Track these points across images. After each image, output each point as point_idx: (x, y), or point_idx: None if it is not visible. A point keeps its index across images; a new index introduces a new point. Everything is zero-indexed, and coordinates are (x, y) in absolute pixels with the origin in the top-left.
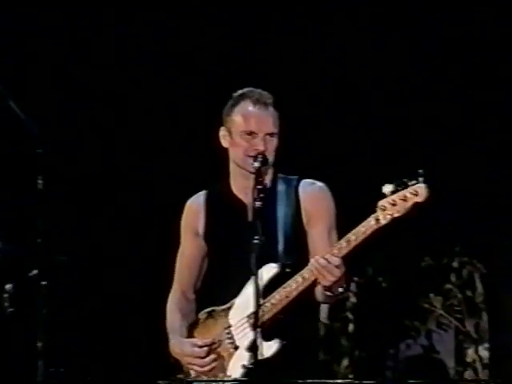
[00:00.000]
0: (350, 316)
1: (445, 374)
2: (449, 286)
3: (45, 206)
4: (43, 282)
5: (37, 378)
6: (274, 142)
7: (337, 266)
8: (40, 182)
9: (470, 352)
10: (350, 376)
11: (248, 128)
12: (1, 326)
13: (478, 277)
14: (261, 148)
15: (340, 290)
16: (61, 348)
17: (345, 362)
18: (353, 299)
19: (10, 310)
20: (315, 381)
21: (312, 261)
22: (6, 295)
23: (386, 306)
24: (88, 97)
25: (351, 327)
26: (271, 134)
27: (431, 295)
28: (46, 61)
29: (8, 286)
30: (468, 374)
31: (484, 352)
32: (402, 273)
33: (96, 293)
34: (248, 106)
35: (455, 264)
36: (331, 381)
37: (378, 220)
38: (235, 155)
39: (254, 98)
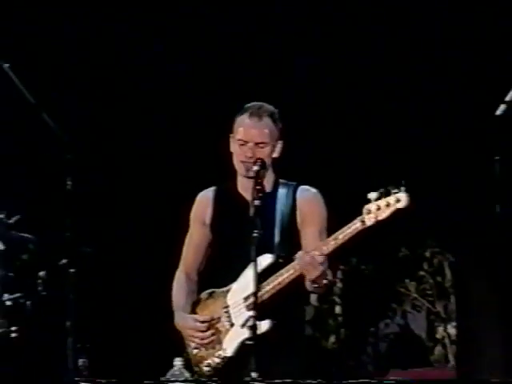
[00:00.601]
0: (337, 299)
1: (420, 348)
2: (422, 272)
3: (73, 205)
4: (71, 270)
5: (66, 352)
6: (264, 150)
7: (320, 263)
8: (69, 183)
9: (440, 330)
10: (336, 351)
11: (240, 137)
12: (35, 307)
13: (446, 265)
14: (249, 155)
15: (324, 281)
16: (86, 327)
17: (332, 339)
18: (339, 285)
19: (43, 293)
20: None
21: (297, 257)
22: (39, 281)
23: (367, 290)
24: (109, 106)
25: (338, 309)
26: (260, 143)
27: (406, 281)
28: (74, 73)
29: (41, 273)
30: (437, 350)
31: (452, 330)
32: (381, 262)
33: (114, 277)
34: (245, 119)
35: (427, 254)
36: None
37: (363, 222)
38: (234, 160)
39: (251, 111)
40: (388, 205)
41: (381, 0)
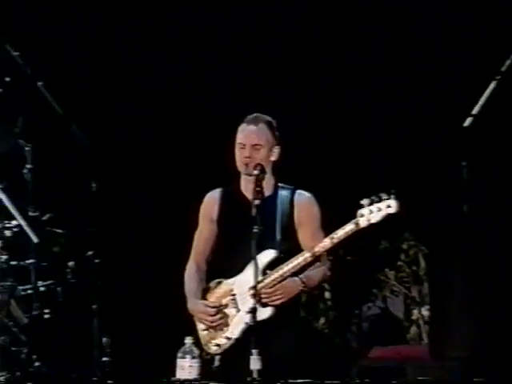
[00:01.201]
0: (326, 286)
1: (398, 328)
2: (399, 262)
3: (97, 204)
4: (96, 260)
5: (92, 331)
6: (260, 152)
7: (325, 251)
8: (94, 185)
9: (415, 312)
10: (326, 331)
11: (240, 141)
12: (65, 292)
13: (421, 256)
14: (246, 155)
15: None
16: (109, 310)
17: (322, 320)
18: (328, 273)
19: (72, 280)
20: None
21: (317, 247)
22: (69, 270)
23: (352, 278)
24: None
25: (327, 294)
26: (255, 145)
27: (386, 270)
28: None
29: (71, 263)
30: (413, 329)
31: (425, 312)
32: (364, 253)
33: (133, 267)
34: (244, 126)
35: (404, 246)
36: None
37: (357, 224)
38: (236, 162)
39: (249, 120)
40: (380, 210)
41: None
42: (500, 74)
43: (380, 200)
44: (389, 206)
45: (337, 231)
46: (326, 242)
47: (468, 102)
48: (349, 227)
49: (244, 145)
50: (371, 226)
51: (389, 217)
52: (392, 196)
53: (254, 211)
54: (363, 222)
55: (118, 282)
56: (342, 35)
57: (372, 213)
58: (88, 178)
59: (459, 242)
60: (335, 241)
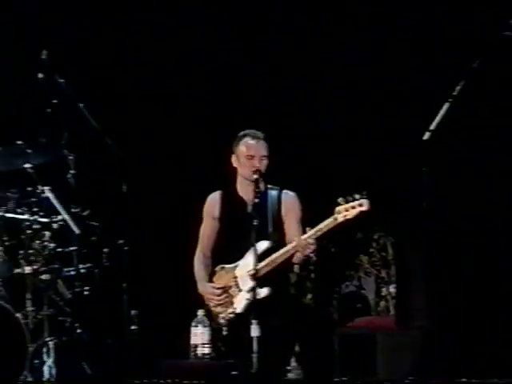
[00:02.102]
0: (312, 268)
1: (368, 301)
2: (371, 249)
3: (127, 202)
4: (126, 248)
5: (122, 305)
6: (265, 162)
7: (312, 244)
8: (124, 187)
9: (384, 290)
10: (312, 305)
11: (250, 153)
12: (101, 274)
13: (389, 244)
14: (257, 165)
15: (311, 255)
16: (137, 288)
17: (309, 296)
18: (314, 258)
19: (107, 264)
20: None
21: (297, 240)
22: (104, 255)
23: (333, 262)
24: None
25: (313, 275)
26: (263, 157)
27: (361, 255)
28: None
29: (105, 250)
30: (382, 304)
31: (392, 289)
32: (343, 242)
33: (154, 254)
34: (249, 140)
35: (375, 236)
36: None
37: (335, 219)
38: (243, 171)
39: (252, 135)
40: (354, 207)
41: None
42: (452, 97)
43: (354, 199)
44: (361, 205)
45: (319, 225)
46: (312, 233)
47: (426, 121)
48: (329, 222)
49: (253, 156)
50: (347, 221)
51: (361, 213)
52: (364, 196)
53: (250, 208)
54: (340, 218)
55: (143, 266)
56: (316, 54)
57: (347, 210)
58: (119, 181)
59: (419, 233)
60: (319, 233)
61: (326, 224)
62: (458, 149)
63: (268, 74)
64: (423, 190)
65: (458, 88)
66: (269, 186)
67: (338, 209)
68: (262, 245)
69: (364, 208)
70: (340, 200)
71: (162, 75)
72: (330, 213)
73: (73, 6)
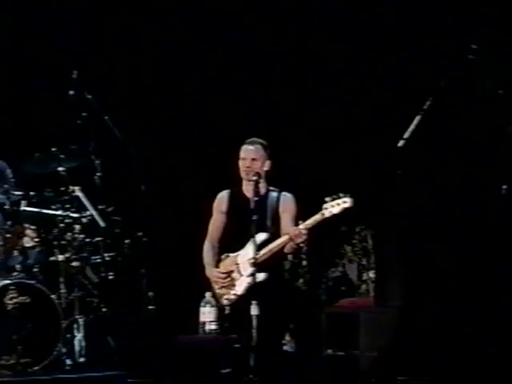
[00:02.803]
0: (304, 256)
1: (353, 286)
2: (354, 240)
3: (145, 200)
4: (144, 239)
5: (141, 288)
6: (256, 163)
7: (303, 235)
8: (143, 187)
9: (365, 275)
10: (303, 288)
11: (242, 156)
12: (123, 261)
13: (369, 236)
14: (247, 165)
15: (302, 245)
16: (154, 273)
17: (301, 281)
18: (305, 247)
19: (128, 253)
20: None
21: (292, 230)
22: (125, 245)
23: (321, 251)
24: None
25: (304, 262)
26: (253, 159)
27: (345, 245)
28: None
29: (127, 241)
30: (363, 287)
31: (372, 275)
32: (330, 234)
33: (170, 243)
34: (245, 146)
35: (357, 229)
36: None
37: (323, 214)
38: (240, 172)
39: (248, 142)
40: (339, 204)
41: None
42: (422, 110)
43: (339, 197)
44: (345, 202)
45: (310, 219)
46: (303, 226)
47: (401, 130)
48: (317, 216)
49: (245, 159)
50: (333, 216)
51: (346, 209)
52: (348, 195)
53: (252, 205)
54: (327, 213)
55: (159, 254)
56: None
57: (334, 207)
58: (138, 182)
59: (394, 226)
60: (309, 225)
61: (315, 218)
62: (427, 154)
63: (267, 85)
64: (398, 189)
65: (428, 103)
66: (270, 187)
67: (325, 205)
68: (261, 236)
69: (347, 205)
70: (327, 198)
71: (178, 90)
72: (319, 209)
73: (98, 34)
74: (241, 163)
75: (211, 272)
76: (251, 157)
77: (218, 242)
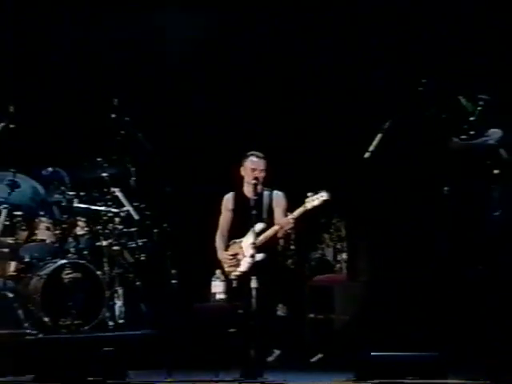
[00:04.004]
0: (292, 242)
1: (329, 264)
2: (331, 229)
3: (169, 200)
4: (168, 229)
5: (167, 267)
6: (263, 173)
7: (292, 223)
8: (168, 189)
9: (339, 256)
10: (292, 267)
11: (253, 167)
12: (152, 246)
13: (343, 226)
14: (257, 175)
15: (290, 231)
16: (178, 256)
17: (289, 261)
18: (293, 234)
19: (156, 239)
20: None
21: (284, 220)
22: (155, 234)
23: (305, 238)
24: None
25: (292, 246)
26: (262, 170)
27: (324, 234)
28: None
29: (155, 230)
30: (338, 266)
31: (344, 256)
32: (312, 224)
33: (189, 233)
34: (253, 159)
35: (334, 221)
36: None
37: (305, 207)
38: (248, 179)
39: (256, 155)
40: (318, 198)
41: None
42: (383, 129)
43: (318, 193)
44: (323, 196)
45: (295, 211)
46: (289, 217)
47: (367, 143)
48: (301, 208)
49: (255, 169)
50: (314, 208)
51: (324, 202)
52: (325, 191)
53: (252, 203)
54: (309, 205)
55: (181, 241)
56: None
57: (314, 200)
58: (164, 185)
59: (363, 218)
60: (295, 216)
61: (299, 210)
62: (387, 163)
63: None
64: (365, 190)
65: (387, 124)
66: (265, 188)
67: (307, 199)
68: (259, 226)
69: (325, 198)
70: (309, 194)
71: (193, 114)
72: (303, 203)
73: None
74: (250, 172)
75: (222, 254)
76: (261, 168)
77: (227, 232)
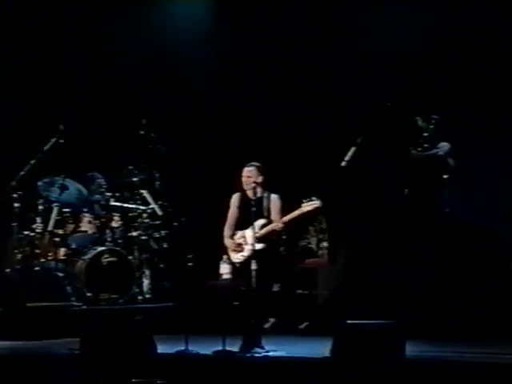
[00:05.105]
0: (283, 235)
1: (313, 251)
2: (315, 223)
3: (188, 198)
4: (186, 222)
5: (184, 253)
6: (249, 179)
7: (284, 224)
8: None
9: (321, 245)
10: (283, 253)
11: (243, 174)
12: (173, 236)
13: (324, 220)
14: (244, 179)
15: (281, 229)
16: (193, 244)
17: (282, 248)
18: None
19: (176, 231)
20: None
21: (276, 221)
22: (175, 226)
23: (295, 230)
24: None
25: (284, 237)
26: (248, 177)
27: (309, 226)
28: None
29: (175, 224)
30: (320, 252)
31: (325, 244)
32: (302, 226)
33: (203, 225)
34: (246, 168)
35: (317, 216)
36: None
37: (302, 210)
38: (243, 184)
39: (246, 165)
40: (311, 204)
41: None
42: (356, 144)
43: (312, 200)
44: (316, 203)
45: (290, 214)
46: (287, 217)
47: (343, 154)
48: (297, 212)
49: (243, 176)
50: (307, 212)
51: (316, 208)
52: (317, 198)
53: (253, 203)
54: (304, 209)
55: (196, 232)
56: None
57: (308, 206)
58: (183, 187)
59: (341, 213)
60: (289, 218)
61: (295, 213)
62: (360, 170)
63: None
64: (343, 191)
65: (360, 139)
66: (264, 191)
67: (302, 205)
68: (260, 221)
69: (317, 205)
70: (304, 200)
71: (207, 129)
72: (296, 204)
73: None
74: (244, 179)
75: (228, 242)
76: (246, 175)
77: (233, 224)
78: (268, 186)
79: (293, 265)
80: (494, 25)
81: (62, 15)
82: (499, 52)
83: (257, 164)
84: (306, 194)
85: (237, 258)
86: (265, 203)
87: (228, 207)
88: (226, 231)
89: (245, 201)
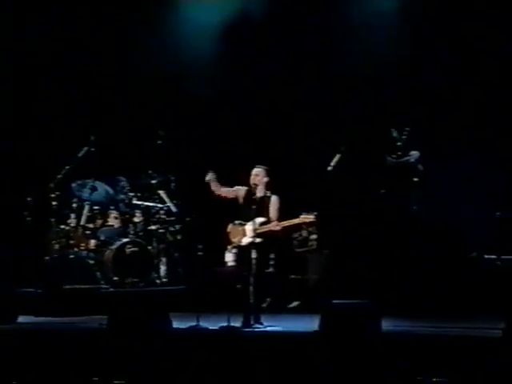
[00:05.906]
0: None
1: (304, 241)
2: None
3: (197, 197)
4: (197, 218)
5: (196, 243)
6: (256, 178)
7: (279, 226)
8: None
9: (311, 237)
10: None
11: (252, 174)
12: (186, 230)
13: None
14: (252, 179)
15: (279, 230)
16: (202, 236)
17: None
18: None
19: (188, 225)
20: None
21: (275, 223)
22: (187, 222)
23: (290, 232)
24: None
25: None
26: (256, 176)
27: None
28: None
29: (187, 219)
30: (310, 243)
31: (314, 236)
32: (295, 217)
33: (210, 220)
34: (253, 170)
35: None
36: None
37: (300, 220)
38: (250, 183)
39: (256, 167)
40: (307, 217)
41: None
42: (340, 151)
43: (310, 214)
44: (311, 218)
45: (290, 220)
46: (286, 223)
47: (328, 161)
48: (296, 220)
49: (252, 174)
50: (303, 223)
51: (310, 222)
52: (313, 213)
53: (255, 199)
54: (301, 220)
55: (205, 225)
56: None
57: (305, 218)
58: (195, 189)
59: (326, 214)
60: (288, 223)
61: (293, 220)
62: (343, 175)
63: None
64: (329, 194)
65: (343, 147)
66: (267, 191)
67: (301, 216)
68: (260, 219)
69: (311, 219)
70: (303, 212)
71: (218, 138)
72: (292, 207)
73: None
74: (251, 178)
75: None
76: (255, 173)
77: (230, 193)
78: (271, 187)
79: (287, 253)
80: (460, 41)
81: (93, 32)
82: (464, 70)
83: (265, 167)
84: (299, 194)
85: (234, 243)
86: (265, 202)
87: (232, 205)
88: (231, 225)
89: (249, 196)
